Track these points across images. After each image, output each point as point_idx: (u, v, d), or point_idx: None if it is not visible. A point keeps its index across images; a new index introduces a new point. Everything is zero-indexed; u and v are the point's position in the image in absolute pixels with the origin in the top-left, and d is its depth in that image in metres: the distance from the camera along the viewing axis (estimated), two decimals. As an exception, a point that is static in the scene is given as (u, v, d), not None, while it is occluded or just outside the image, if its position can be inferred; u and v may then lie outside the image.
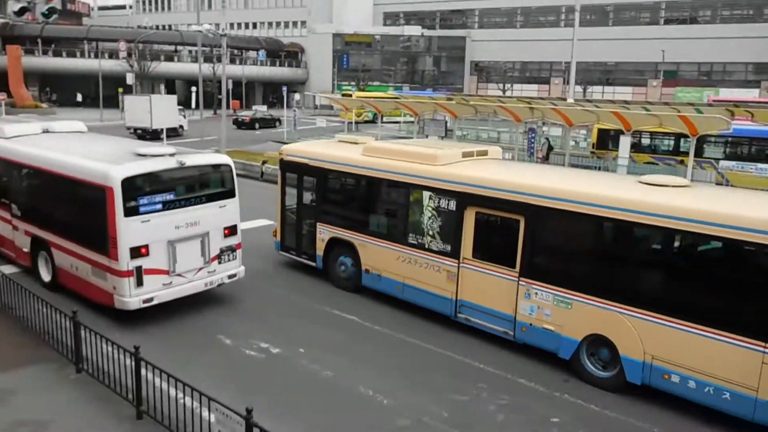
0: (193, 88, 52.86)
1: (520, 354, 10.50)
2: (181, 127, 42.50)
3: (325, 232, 13.43)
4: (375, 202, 12.87)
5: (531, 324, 10.11)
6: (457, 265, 11.06)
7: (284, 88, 52.27)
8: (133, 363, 7.92)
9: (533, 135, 28.18)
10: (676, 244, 8.85)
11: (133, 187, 10.64)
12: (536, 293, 9.96)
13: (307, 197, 13.96)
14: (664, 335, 8.62)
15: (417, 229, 11.68)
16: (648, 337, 8.80)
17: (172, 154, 11.38)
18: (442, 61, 79.57)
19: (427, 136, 34.00)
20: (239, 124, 49.44)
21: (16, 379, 8.99)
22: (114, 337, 8.73)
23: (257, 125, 49.63)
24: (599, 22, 69.55)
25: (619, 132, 24.41)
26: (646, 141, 28.92)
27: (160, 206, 10.93)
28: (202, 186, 11.86)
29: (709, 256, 8.77)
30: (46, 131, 14.49)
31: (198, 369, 9.40)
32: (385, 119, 47.31)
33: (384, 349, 10.72)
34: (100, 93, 51.28)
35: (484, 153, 12.46)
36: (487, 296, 10.69)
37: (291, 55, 78.96)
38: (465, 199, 10.84)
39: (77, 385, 8.92)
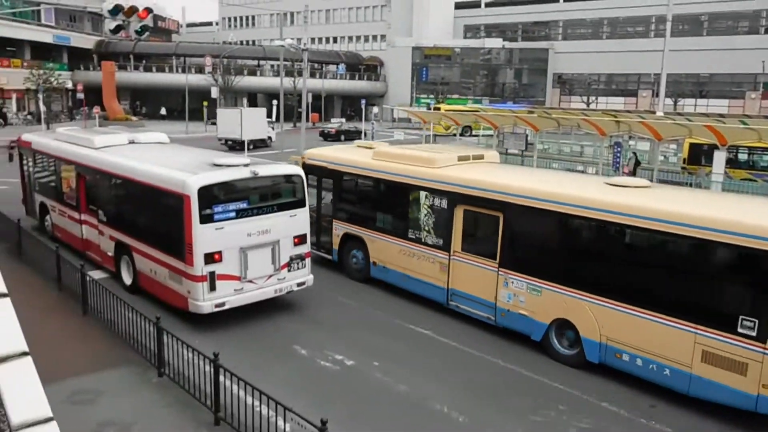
0: (274, 102, 54.24)
1: (602, 376, 10.03)
2: (270, 138, 43.69)
3: (339, 229, 14.75)
4: (381, 201, 14.06)
5: (508, 310, 11.22)
6: (448, 257, 12.22)
7: (363, 101, 52.87)
8: (212, 369, 8.02)
9: (619, 149, 27.03)
10: (627, 237, 9.78)
11: (209, 196, 10.96)
12: (512, 282, 11.08)
13: (326, 197, 15.09)
14: (616, 319, 9.63)
15: (416, 226, 12.91)
16: (603, 321, 9.82)
17: (246, 165, 11.69)
18: (524, 73, 78.12)
19: (507, 150, 33.38)
20: (325, 136, 50.55)
21: (104, 381, 9.30)
22: (193, 343, 8.90)
23: (342, 137, 50.53)
24: (692, 32, 66.36)
25: (713, 147, 23.08)
26: (743, 156, 27.26)
27: (233, 214, 11.22)
28: (274, 195, 12.15)
29: (653, 248, 9.58)
30: (131, 142, 15.21)
31: (274, 378, 9.45)
32: (473, 132, 46.76)
33: (459, 365, 10.48)
34: (186, 106, 53.47)
35: (481, 157, 13.60)
36: (473, 285, 11.81)
37: (370, 68, 79.80)
38: (455, 198, 12.05)
39: (158, 389, 9.14)
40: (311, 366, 10.28)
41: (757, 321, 8.20)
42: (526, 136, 33.75)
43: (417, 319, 12.35)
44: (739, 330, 8.35)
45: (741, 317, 8.35)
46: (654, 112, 37.89)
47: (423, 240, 12.72)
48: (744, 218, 8.57)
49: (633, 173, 26.87)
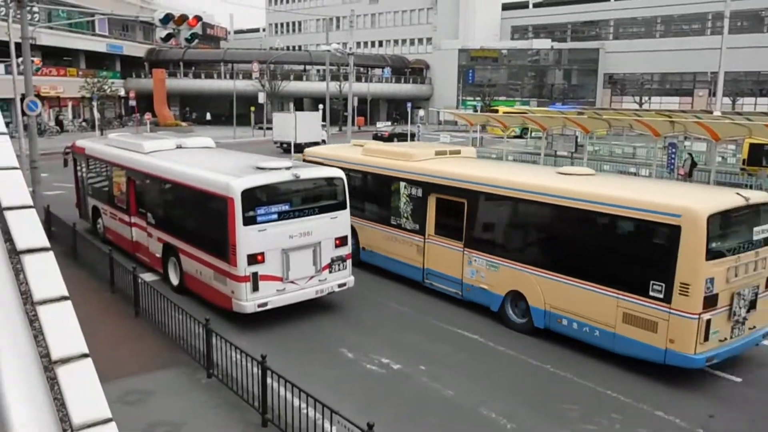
0: (320, 106, 54.67)
1: (659, 383, 9.70)
2: (324, 141, 44.22)
3: None
4: (369, 192, 15.31)
5: (472, 285, 12.61)
6: (423, 240, 13.66)
7: (408, 104, 52.76)
8: (260, 371, 8.05)
9: (674, 150, 26.21)
10: (563, 217, 11.01)
11: (252, 198, 11.12)
12: (475, 260, 12.47)
13: None
14: (557, 289, 10.98)
15: (397, 213, 14.34)
16: (546, 291, 11.17)
17: (288, 168, 11.84)
18: (573, 74, 76.45)
19: (555, 152, 32.79)
20: (378, 139, 50.90)
21: (154, 381, 9.45)
22: (241, 345, 8.95)
23: (395, 140, 50.74)
24: (752, 29, 63.86)
25: (775, 146, 22.09)
26: (806, 156, 26.02)
27: (275, 216, 11.36)
28: (315, 198, 12.25)
29: (583, 225, 10.83)
30: (179, 147, 15.58)
31: (321, 380, 9.42)
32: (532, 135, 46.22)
33: (507, 371, 10.29)
34: (234, 111, 54.36)
35: (457, 152, 15.14)
36: (444, 264, 13.21)
37: (416, 71, 79.65)
38: (428, 188, 13.49)
39: (207, 390, 9.23)
40: (358, 369, 10.23)
41: (664, 285, 9.45)
42: (576, 137, 33.05)
43: (463, 322, 12.20)
44: (651, 293, 9.62)
45: (652, 282, 9.60)
46: (711, 112, 36.66)
47: (403, 226, 14.21)
48: (649, 197, 9.99)
49: (689, 175, 26.01)
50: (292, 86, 65.47)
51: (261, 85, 59.17)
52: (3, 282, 1.53)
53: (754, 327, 10.08)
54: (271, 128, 49.59)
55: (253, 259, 11.11)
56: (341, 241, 12.36)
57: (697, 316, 9.18)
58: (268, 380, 8.01)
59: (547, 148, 32.71)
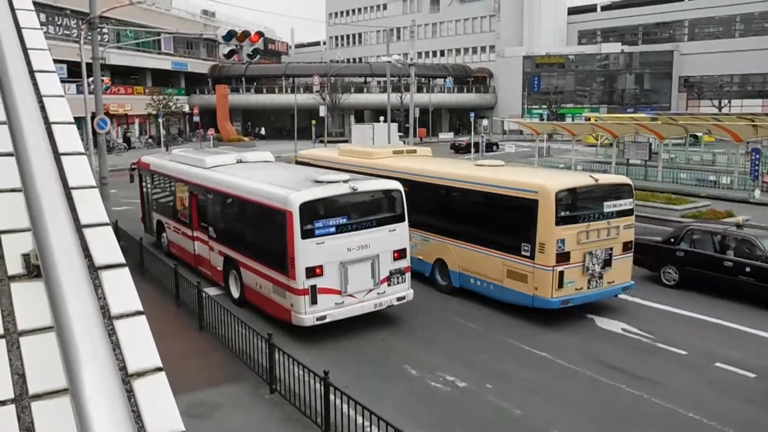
0: (381, 118, 54.66)
1: (742, 402, 8.98)
2: None
3: None
4: None
5: (412, 257, 13.92)
6: None
7: (471, 114, 52.07)
8: (322, 388, 7.91)
9: (757, 156, 24.65)
10: (470, 198, 13.81)
11: (310, 212, 11.13)
12: (413, 236, 14.13)
13: None
14: (466, 255, 13.73)
15: None
16: (460, 257, 13.89)
17: (345, 181, 11.81)
18: (645, 78, 73.44)
19: (628, 161, 31.47)
20: (456, 149, 51.34)
21: (220, 395, 9.45)
22: (304, 360, 8.84)
23: (472, 149, 50.71)
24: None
25: None
26: None
27: (333, 229, 11.32)
28: (373, 210, 12.19)
29: (482, 203, 13.59)
30: (239, 161, 15.81)
31: (384, 397, 9.19)
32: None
33: (578, 389, 9.77)
34: (295, 125, 54.75)
35: (413, 151, 18.11)
36: None
37: (478, 80, 78.63)
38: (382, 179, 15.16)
39: (270, 405, 9.15)
40: (422, 386, 9.93)
41: (530, 245, 12.09)
42: (650, 144, 31.58)
43: (528, 338, 11.78)
44: (522, 253, 12.25)
45: (522, 244, 12.22)
46: (797, 114, 34.40)
47: None
48: (521, 179, 13.04)
49: (774, 181, 24.40)
50: (353, 98, 65.61)
51: (322, 99, 59.57)
52: (85, 297, 1.55)
53: (613, 281, 12.58)
54: (335, 140, 50.11)
55: (311, 272, 11.07)
56: (400, 254, 12.20)
57: (551, 269, 11.83)
58: (331, 396, 7.86)
59: (619, 156, 31.48)
